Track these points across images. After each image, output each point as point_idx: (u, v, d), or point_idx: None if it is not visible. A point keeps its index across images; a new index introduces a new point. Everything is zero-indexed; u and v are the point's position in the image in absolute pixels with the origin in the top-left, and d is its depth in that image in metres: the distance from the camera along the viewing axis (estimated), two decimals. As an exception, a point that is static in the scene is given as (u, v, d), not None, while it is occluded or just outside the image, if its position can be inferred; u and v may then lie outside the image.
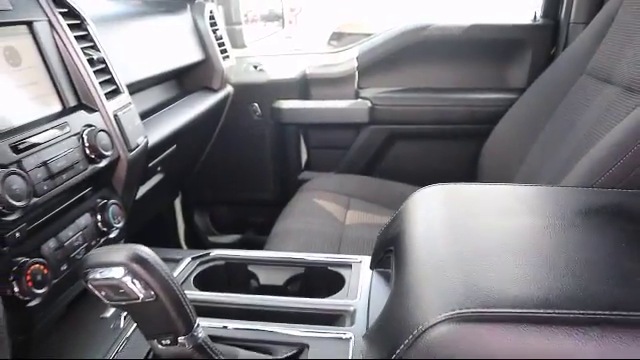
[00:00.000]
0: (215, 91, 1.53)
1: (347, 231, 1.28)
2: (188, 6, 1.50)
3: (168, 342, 0.62)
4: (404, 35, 1.63)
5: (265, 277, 0.89)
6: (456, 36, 1.61)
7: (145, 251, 0.58)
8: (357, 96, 1.68)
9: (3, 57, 0.70)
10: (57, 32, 0.81)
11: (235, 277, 0.90)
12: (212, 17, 1.54)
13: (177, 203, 1.78)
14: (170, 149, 1.21)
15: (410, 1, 6.74)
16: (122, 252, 0.57)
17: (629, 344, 0.47)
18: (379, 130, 1.67)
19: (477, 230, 0.67)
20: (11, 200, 0.61)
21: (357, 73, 1.68)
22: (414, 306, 0.54)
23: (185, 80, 1.47)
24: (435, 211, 0.73)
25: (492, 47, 1.64)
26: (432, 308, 0.51)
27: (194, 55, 1.45)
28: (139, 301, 0.58)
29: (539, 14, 1.60)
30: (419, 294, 0.55)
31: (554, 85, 1.32)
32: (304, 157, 1.79)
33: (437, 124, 1.62)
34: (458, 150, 1.63)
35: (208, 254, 0.91)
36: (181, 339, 0.62)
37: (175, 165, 1.33)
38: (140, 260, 0.57)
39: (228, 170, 1.77)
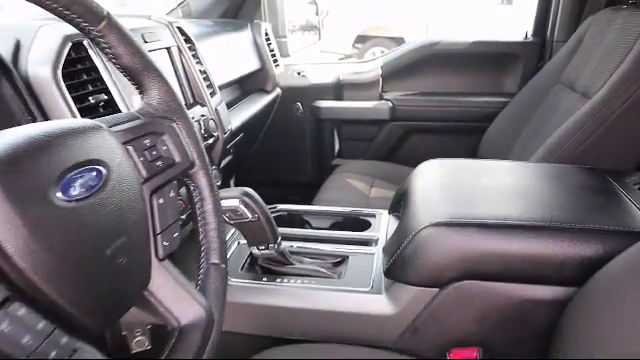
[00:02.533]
0: (268, 92, 1.92)
1: (371, 202, 1.65)
2: (248, 25, 1.90)
3: (262, 247, 1.00)
4: (419, 49, 2.01)
5: (315, 223, 1.27)
6: (461, 50, 1.98)
7: (250, 190, 0.97)
8: (381, 98, 2.06)
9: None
10: (182, 53, 1.20)
11: (294, 222, 1.28)
12: (266, 33, 1.93)
13: (232, 182, 2.17)
14: (239, 136, 1.60)
15: (428, 7, 7.03)
16: (238, 190, 0.96)
17: (558, 239, 0.82)
18: (398, 126, 2.04)
19: (463, 183, 1.05)
20: None
21: (381, 79, 2.06)
22: (411, 223, 0.92)
23: (246, 83, 1.86)
24: (433, 174, 1.11)
25: (490, 59, 2.00)
26: (422, 221, 0.89)
27: (254, 64, 1.84)
28: (247, 221, 0.97)
29: (530, 33, 1.96)
30: (416, 217, 0.93)
31: (536, 91, 1.67)
32: (337, 147, 2.17)
33: (444, 121, 1.98)
34: (461, 143, 1.97)
35: (275, 207, 1.29)
36: (270, 246, 1.00)
37: (240, 149, 1.71)
38: (248, 194, 0.95)
39: (274, 156, 2.15)
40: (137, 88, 0.63)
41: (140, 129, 0.59)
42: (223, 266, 0.67)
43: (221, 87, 1.52)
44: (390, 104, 2.02)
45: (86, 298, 0.46)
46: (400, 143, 2.07)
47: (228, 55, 1.66)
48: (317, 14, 2.47)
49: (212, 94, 1.27)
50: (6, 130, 0.47)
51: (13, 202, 0.40)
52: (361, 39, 7.39)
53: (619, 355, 0.65)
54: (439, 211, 0.90)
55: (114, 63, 0.60)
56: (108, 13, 0.57)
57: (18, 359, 0.39)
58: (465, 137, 1.95)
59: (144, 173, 0.57)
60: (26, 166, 0.43)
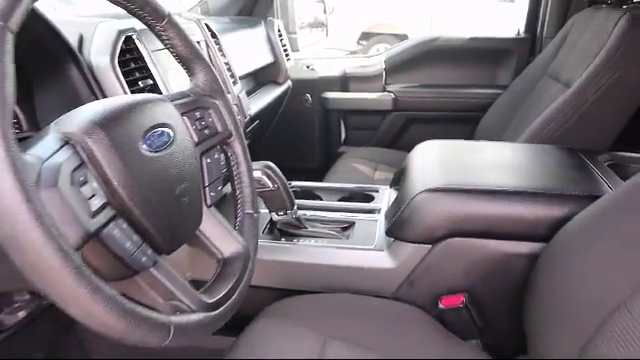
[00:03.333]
0: (280, 84, 2.09)
1: (375, 183, 1.81)
2: (262, 22, 2.06)
3: (281, 213, 1.17)
4: (420, 45, 2.17)
5: (325, 197, 1.43)
6: (458, 45, 2.14)
7: (272, 164, 1.13)
8: (384, 90, 2.22)
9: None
10: (209, 46, 1.36)
11: (306, 198, 1.44)
12: (279, 30, 2.10)
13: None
14: (255, 122, 1.76)
15: (432, 4, 7.16)
16: (261, 163, 1.12)
17: (531, 203, 0.98)
18: (400, 115, 2.20)
19: (454, 159, 1.21)
20: None
21: (384, 72, 2.22)
22: (408, 190, 1.08)
23: (260, 75, 2.02)
24: (429, 152, 1.27)
25: (485, 54, 2.16)
26: (417, 187, 1.05)
27: (267, 58, 2.00)
28: (268, 190, 1.13)
29: (522, 30, 2.12)
30: (412, 185, 1.09)
31: (526, 83, 1.83)
32: (343, 135, 2.33)
33: (442, 111, 2.14)
34: (458, 131, 2.11)
35: (290, 183, 1.45)
36: (288, 212, 1.16)
37: (255, 135, 1.88)
38: (270, 167, 1.12)
39: (285, 143, 2.31)
40: (187, 72, 0.80)
41: (191, 104, 0.76)
42: (255, 215, 0.83)
43: (240, 78, 1.69)
44: (392, 95, 2.19)
45: (162, 224, 0.62)
46: (402, 131, 2.23)
47: (244, 49, 1.82)
48: (325, 12, 2.63)
49: (234, 83, 1.43)
50: (102, 100, 0.64)
51: (116, 148, 0.57)
52: (366, 36, 7.53)
53: (579, 291, 0.81)
54: (432, 180, 1.06)
55: (171, 52, 0.76)
56: (169, 13, 0.73)
57: (123, 257, 0.56)
58: (462, 125, 2.11)
59: (195, 138, 0.73)
60: (122, 123, 0.59)
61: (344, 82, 2.26)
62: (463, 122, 2.10)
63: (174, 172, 0.65)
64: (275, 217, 1.17)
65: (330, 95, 2.25)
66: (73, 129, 0.56)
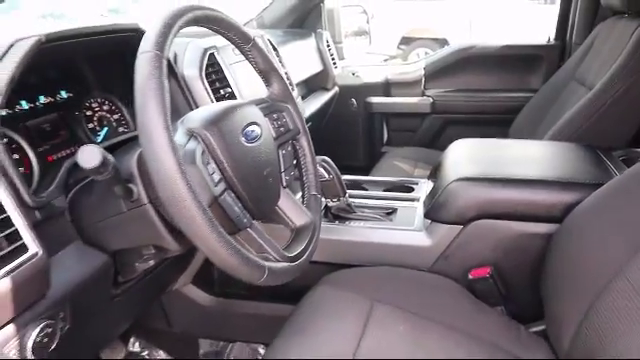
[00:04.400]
0: (328, 90, 2.30)
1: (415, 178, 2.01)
2: (313, 34, 2.28)
3: (335, 200, 1.37)
4: (456, 52, 2.35)
5: (371, 189, 1.63)
6: (493, 52, 2.31)
7: (327, 158, 1.33)
8: (423, 94, 2.41)
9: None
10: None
11: (355, 189, 1.64)
12: (327, 41, 2.32)
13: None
14: (308, 124, 1.97)
15: (471, 7, 7.24)
16: (320, 157, 1.33)
17: (548, 189, 1.17)
18: (437, 118, 2.39)
19: (484, 154, 1.40)
20: None
21: (423, 78, 2.41)
22: (443, 179, 1.27)
23: (310, 82, 2.24)
24: (462, 148, 1.46)
25: (518, 60, 2.32)
26: (451, 177, 1.24)
27: (317, 67, 2.22)
28: (325, 180, 1.33)
29: (552, 37, 2.28)
30: (447, 175, 1.28)
31: (555, 87, 1.99)
32: (385, 136, 2.54)
33: (477, 114, 2.31)
34: (491, 132, 2.21)
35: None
36: (341, 199, 1.37)
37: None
38: (326, 161, 1.32)
39: (332, 144, 2.49)
40: (265, 82, 1.02)
41: (270, 108, 0.98)
42: (319, 196, 1.05)
43: (295, 85, 1.91)
44: (431, 99, 2.38)
45: (255, 196, 0.84)
46: (439, 132, 2.42)
47: (298, 59, 2.04)
48: (368, 22, 2.84)
49: (292, 90, 1.65)
50: (210, 104, 0.87)
51: (225, 139, 0.79)
52: (405, 41, 7.66)
53: (584, 263, 0.99)
54: (464, 171, 1.26)
55: (253, 66, 0.99)
56: (254, 37, 0.95)
57: (232, 218, 0.78)
58: (495, 127, 2.26)
59: (274, 134, 0.95)
60: (227, 121, 0.82)
61: (386, 87, 2.46)
62: (497, 124, 2.26)
63: (262, 158, 0.87)
64: (330, 203, 1.38)
65: (374, 99, 2.46)
66: (195, 125, 0.79)
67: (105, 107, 1.14)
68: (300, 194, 1.06)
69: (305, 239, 0.94)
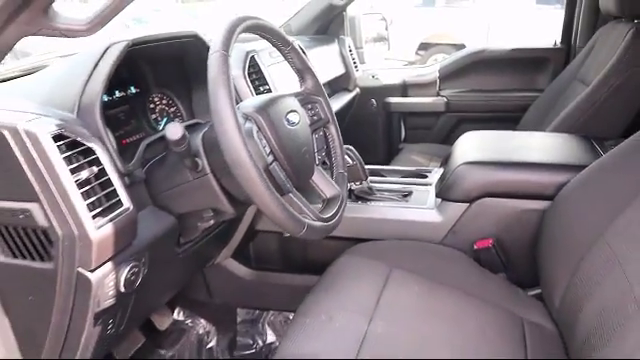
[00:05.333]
0: (350, 91, 2.51)
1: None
2: (336, 40, 2.49)
3: (357, 183, 1.57)
4: (469, 56, 2.55)
5: (390, 175, 1.82)
6: (503, 55, 2.50)
7: (351, 146, 1.53)
8: (438, 95, 2.60)
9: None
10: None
11: (375, 175, 1.83)
12: (349, 46, 2.52)
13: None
14: (332, 122, 2.17)
15: (490, 12, 7.37)
16: (344, 146, 1.53)
17: (542, 171, 1.36)
18: (451, 116, 2.58)
19: (489, 143, 1.59)
20: None
21: (438, 80, 2.61)
22: (452, 164, 1.47)
23: (333, 84, 2.45)
24: (470, 139, 1.65)
25: (526, 62, 2.50)
26: (459, 161, 1.44)
27: (340, 70, 2.43)
28: (348, 165, 1.53)
29: (558, 41, 2.45)
30: (455, 160, 1.47)
31: (559, 86, 2.16)
32: (403, 133, 2.73)
33: (488, 112, 2.49)
34: (501, 129, 2.31)
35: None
36: (363, 183, 1.57)
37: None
38: (350, 149, 1.52)
39: (353, 140, 2.70)
40: (300, 79, 1.22)
41: (305, 99, 1.18)
42: (345, 173, 1.25)
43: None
44: (445, 99, 2.57)
45: (295, 169, 1.04)
46: (453, 130, 2.61)
47: (323, 63, 2.25)
48: (386, 29, 3.04)
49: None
50: (260, 95, 1.07)
51: (272, 122, 1.00)
52: (424, 46, 7.82)
53: (571, 233, 1.17)
54: (470, 156, 1.45)
55: (291, 66, 1.19)
56: (292, 41, 1.16)
57: (279, 183, 0.98)
58: (505, 124, 2.43)
59: (308, 121, 1.15)
60: (274, 108, 1.02)
61: (404, 89, 2.66)
62: (506, 121, 2.44)
63: (301, 140, 1.07)
64: (353, 186, 1.58)
65: (392, 100, 2.65)
66: (250, 110, 0.99)
67: (164, 101, 1.36)
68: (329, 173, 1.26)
69: (335, 207, 1.14)
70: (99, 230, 0.87)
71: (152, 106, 1.32)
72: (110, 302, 0.96)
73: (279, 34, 1.13)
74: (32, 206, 0.86)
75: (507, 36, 6.79)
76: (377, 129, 2.71)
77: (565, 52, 2.42)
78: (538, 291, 1.33)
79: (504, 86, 2.54)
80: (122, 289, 0.96)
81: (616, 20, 1.99)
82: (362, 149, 2.60)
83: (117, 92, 1.22)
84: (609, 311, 0.94)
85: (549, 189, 1.33)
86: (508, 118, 2.42)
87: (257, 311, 1.77)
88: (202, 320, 1.80)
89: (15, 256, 0.92)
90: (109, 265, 0.92)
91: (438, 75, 2.61)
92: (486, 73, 2.56)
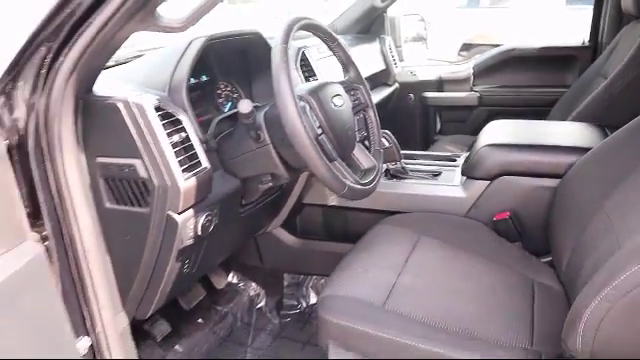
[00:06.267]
0: (390, 86, 2.73)
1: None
2: (377, 39, 2.71)
3: (393, 164, 1.79)
4: (500, 54, 2.72)
5: (422, 159, 2.03)
6: (532, 53, 2.66)
7: (388, 131, 1.75)
8: (471, 90, 2.79)
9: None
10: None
11: (409, 159, 2.04)
12: (389, 44, 2.74)
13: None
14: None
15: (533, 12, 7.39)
16: (382, 131, 1.75)
17: (554, 153, 1.56)
18: (483, 110, 2.76)
19: (510, 128, 1.78)
20: None
21: (472, 76, 2.79)
22: (476, 145, 1.67)
23: (374, 79, 2.66)
24: (495, 126, 1.84)
25: (554, 59, 2.65)
26: (482, 144, 1.64)
27: (380, 66, 2.65)
28: (385, 147, 1.75)
29: (586, 40, 2.60)
30: (479, 143, 1.68)
31: (584, 82, 2.31)
32: (438, 126, 2.93)
33: (518, 106, 2.66)
34: None
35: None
36: (397, 163, 1.78)
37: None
38: (387, 133, 1.74)
39: (391, 131, 2.93)
40: (344, 70, 1.45)
41: (349, 86, 1.41)
42: (381, 150, 1.47)
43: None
44: (478, 94, 2.76)
45: (339, 141, 1.27)
46: (485, 122, 2.74)
47: (364, 59, 2.47)
48: (425, 29, 3.24)
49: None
50: (311, 82, 1.31)
51: (321, 102, 1.24)
52: (466, 47, 7.86)
53: (576, 206, 1.36)
54: (492, 139, 1.65)
55: (337, 58, 1.42)
56: (337, 38, 1.39)
57: (326, 151, 1.21)
58: (533, 117, 2.56)
59: (350, 105, 1.38)
60: (322, 91, 1.26)
61: (439, 84, 2.86)
62: (535, 115, 2.55)
63: (344, 119, 1.30)
64: (389, 166, 1.80)
65: (428, 94, 2.86)
66: (303, 93, 1.23)
67: (229, 88, 1.61)
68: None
69: (371, 176, 1.37)
70: (186, 182, 1.13)
71: (219, 92, 1.58)
72: (190, 242, 1.21)
73: (327, 32, 1.36)
74: (136, 162, 1.12)
75: (549, 36, 6.81)
76: (414, 121, 2.91)
77: (592, 50, 2.56)
78: (549, 258, 1.51)
79: (533, 82, 2.70)
80: (199, 232, 1.21)
81: (637, 20, 2.15)
82: (400, 139, 2.82)
83: (192, 79, 1.47)
84: (600, 266, 1.12)
85: (560, 168, 1.52)
86: (536, 112, 2.57)
87: (302, 276, 2.01)
88: (253, 283, 2.05)
89: (119, 203, 1.18)
90: (191, 211, 1.18)
91: (472, 72, 2.80)
92: (517, 70, 2.73)
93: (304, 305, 1.99)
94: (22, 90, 0.97)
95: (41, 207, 1.02)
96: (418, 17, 3.23)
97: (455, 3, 9.37)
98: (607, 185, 1.27)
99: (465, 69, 2.83)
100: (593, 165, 1.41)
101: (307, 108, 1.21)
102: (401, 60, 2.98)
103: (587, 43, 2.61)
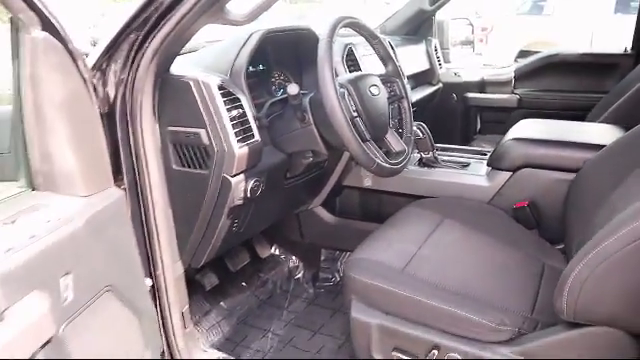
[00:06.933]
0: (433, 85, 2.89)
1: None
2: (424, 40, 2.88)
3: (425, 153, 1.96)
4: (543, 58, 2.84)
5: (452, 155, 2.19)
6: (574, 59, 2.77)
7: (422, 123, 1.93)
8: (512, 92, 2.92)
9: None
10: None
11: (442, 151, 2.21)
12: (435, 46, 2.90)
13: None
14: (414, 109, 2.56)
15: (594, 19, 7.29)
16: (416, 123, 1.93)
17: (572, 148, 1.70)
18: (523, 112, 2.86)
19: (538, 125, 1.93)
20: None
21: (513, 79, 2.92)
22: (503, 140, 1.83)
23: (419, 77, 2.82)
24: (524, 124, 1.99)
25: (596, 66, 2.74)
26: (507, 138, 1.80)
27: (425, 65, 2.81)
28: (419, 137, 1.93)
29: (629, 48, 2.69)
30: (505, 138, 1.83)
31: (623, 86, 2.39)
32: (478, 125, 3.07)
33: (556, 110, 2.75)
34: None
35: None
36: (430, 153, 1.96)
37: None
38: (421, 124, 1.92)
39: (433, 129, 3.08)
40: (384, 65, 1.64)
41: (386, 79, 1.60)
42: (412, 137, 1.65)
43: (407, 77, 2.51)
44: (518, 96, 2.89)
45: (374, 125, 1.47)
46: (523, 125, 2.91)
47: (410, 58, 2.64)
48: (472, 33, 3.38)
49: (403, 76, 2.25)
50: (353, 73, 1.51)
51: (359, 89, 1.44)
52: (523, 54, 7.84)
53: (587, 197, 1.50)
54: (517, 134, 1.81)
55: (377, 54, 1.62)
56: (379, 35, 1.58)
57: (359, 132, 1.40)
58: (571, 120, 2.71)
59: (386, 95, 1.57)
60: (361, 81, 1.46)
61: (482, 86, 3.00)
62: (572, 119, 2.61)
63: (379, 106, 1.49)
64: (424, 155, 1.97)
65: (471, 95, 3.01)
66: (344, 81, 1.43)
67: (281, 77, 1.83)
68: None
69: (400, 158, 1.55)
70: (240, 150, 1.35)
71: (273, 79, 1.80)
72: (239, 202, 1.43)
73: (369, 30, 1.56)
74: (200, 131, 1.35)
75: (610, 43, 6.73)
76: (456, 120, 3.06)
77: (634, 58, 2.64)
78: (562, 246, 1.64)
79: (573, 87, 2.79)
80: (248, 194, 1.43)
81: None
82: (440, 136, 2.98)
83: (251, 67, 1.70)
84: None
85: (576, 163, 1.65)
86: (573, 116, 2.65)
87: (337, 252, 2.21)
88: (293, 256, 2.27)
89: (183, 165, 1.42)
90: (242, 175, 1.40)
91: (514, 75, 2.93)
92: (557, 75, 2.83)
93: (337, 278, 2.19)
94: (114, 68, 1.22)
95: (122, 164, 1.26)
96: (466, 22, 3.37)
97: (517, 9, 9.31)
98: (616, 178, 1.39)
99: (507, 72, 2.96)
100: (606, 161, 1.54)
101: (346, 94, 1.41)
102: (447, 62, 3.13)
103: (629, 51, 2.69)
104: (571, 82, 2.80)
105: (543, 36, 7.83)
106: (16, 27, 0.97)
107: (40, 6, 0.95)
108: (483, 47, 7.91)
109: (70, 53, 1.03)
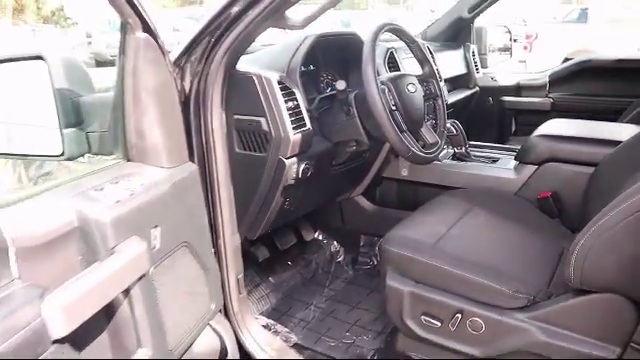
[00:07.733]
0: (470, 88, 3.06)
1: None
2: (462, 46, 3.06)
3: (458, 148, 2.15)
4: (577, 64, 2.98)
5: (484, 151, 2.36)
6: (607, 64, 2.89)
7: (456, 120, 2.12)
8: (546, 96, 3.06)
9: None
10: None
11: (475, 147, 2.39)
12: (473, 51, 3.08)
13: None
14: (450, 110, 2.73)
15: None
16: (450, 120, 2.12)
17: (596, 145, 1.87)
18: (556, 115, 2.99)
19: (563, 125, 2.09)
20: None
21: (548, 84, 3.06)
22: (530, 137, 2.00)
23: (456, 81, 3.00)
24: (552, 123, 2.15)
25: (629, 71, 2.86)
26: (534, 135, 1.97)
27: (462, 70, 2.99)
28: (452, 134, 2.12)
29: (663, 55, 2.80)
30: (533, 135, 2.01)
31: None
32: (513, 128, 3.22)
33: (588, 112, 2.87)
34: None
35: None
36: (462, 148, 2.14)
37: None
38: (455, 122, 2.11)
39: (470, 130, 3.25)
40: (421, 66, 1.84)
41: (423, 79, 1.81)
42: (445, 131, 1.85)
43: (445, 80, 2.70)
44: (552, 100, 3.03)
45: (409, 119, 1.67)
46: (556, 128, 3.04)
47: (448, 63, 2.83)
48: (510, 40, 3.53)
49: (440, 79, 2.44)
50: (393, 72, 1.72)
51: (399, 87, 1.65)
52: (566, 62, 7.89)
53: (604, 189, 1.67)
54: (544, 132, 1.97)
55: (415, 57, 1.82)
56: (416, 40, 1.79)
57: (397, 124, 1.61)
58: (602, 123, 2.85)
59: (422, 93, 1.77)
60: (400, 80, 1.68)
61: (517, 90, 3.15)
62: (604, 121, 2.82)
63: (416, 102, 1.70)
64: (456, 150, 2.16)
65: (506, 98, 3.17)
66: (384, 79, 1.65)
67: (329, 77, 2.05)
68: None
69: (433, 148, 1.75)
70: (294, 136, 1.58)
71: (322, 79, 2.02)
72: (292, 182, 1.66)
73: (408, 35, 1.77)
74: (261, 119, 1.58)
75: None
76: (492, 123, 3.22)
77: (666, 64, 2.77)
78: (583, 234, 1.80)
79: (605, 91, 2.91)
80: (299, 175, 1.65)
81: None
82: (477, 137, 3.15)
83: (303, 67, 1.92)
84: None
85: (596, 158, 1.81)
86: (605, 119, 2.79)
87: (375, 238, 2.41)
88: (335, 241, 2.49)
89: (245, 149, 1.65)
90: (295, 158, 1.63)
91: (548, 80, 3.07)
92: (591, 79, 2.95)
93: (375, 262, 2.39)
94: (191, 64, 1.45)
95: (193, 146, 1.49)
96: (505, 29, 3.52)
97: (565, 17, 9.30)
98: (631, 171, 1.55)
99: (541, 77, 3.11)
100: (622, 155, 1.70)
101: (386, 90, 1.61)
102: (484, 67, 3.29)
103: (661, 57, 2.81)
104: (603, 86, 2.92)
105: (588, 44, 7.84)
106: (124, 30, 1.21)
107: (142, 12, 1.19)
108: (527, 55, 7.96)
109: (161, 50, 1.27)
